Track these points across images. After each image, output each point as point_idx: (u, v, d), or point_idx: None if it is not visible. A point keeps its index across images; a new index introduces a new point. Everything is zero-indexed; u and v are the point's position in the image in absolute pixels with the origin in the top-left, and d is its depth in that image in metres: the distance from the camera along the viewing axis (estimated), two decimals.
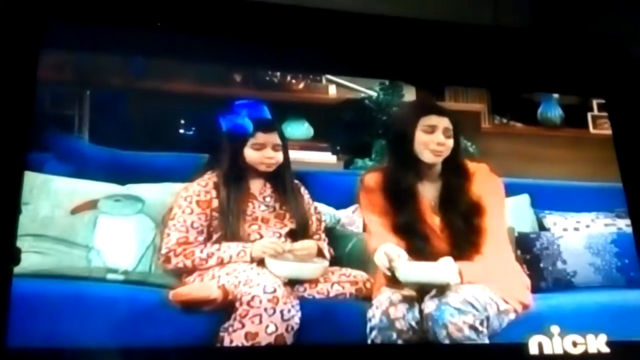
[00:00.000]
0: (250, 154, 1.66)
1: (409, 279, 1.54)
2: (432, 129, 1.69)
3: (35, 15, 1.58)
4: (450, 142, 1.70)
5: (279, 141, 1.67)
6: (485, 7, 2.13)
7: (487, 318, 1.53)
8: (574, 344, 1.61)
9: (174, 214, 1.60)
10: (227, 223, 1.60)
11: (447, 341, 1.49)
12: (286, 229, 1.65)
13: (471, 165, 1.73)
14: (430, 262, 1.58)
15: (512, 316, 1.60)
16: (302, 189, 1.72)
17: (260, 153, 1.66)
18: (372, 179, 1.72)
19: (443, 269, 1.55)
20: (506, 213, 1.75)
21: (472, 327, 1.50)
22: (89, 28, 1.63)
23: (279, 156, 1.67)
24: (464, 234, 1.63)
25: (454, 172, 1.70)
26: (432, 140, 1.68)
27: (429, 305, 1.52)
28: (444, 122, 1.70)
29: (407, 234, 1.63)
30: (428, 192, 1.70)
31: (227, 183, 1.63)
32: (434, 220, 1.67)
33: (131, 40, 1.67)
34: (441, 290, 1.53)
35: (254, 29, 1.75)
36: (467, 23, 1.99)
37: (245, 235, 1.61)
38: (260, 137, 1.66)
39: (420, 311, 1.52)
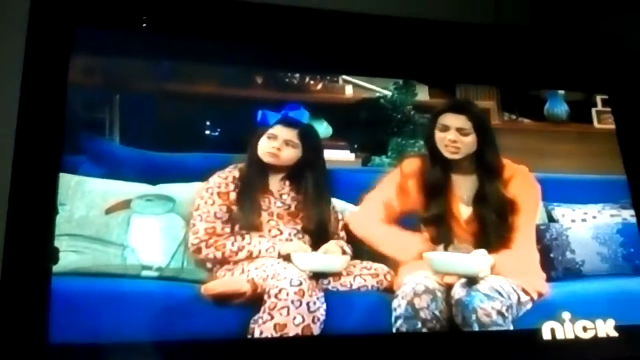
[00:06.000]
0: (261, 142, 1.71)
1: (441, 268, 1.63)
2: (445, 128, 1.76)
3: (65, 20, 1.62)
4: (467, 139, 1.76)
5: (294, 139, 1.72)
6: (487, 6, 2.18)
7: (511, 306, 1.62)
8: (584, 329, 1.69)
9: (197, 204, 1.65)
10: (244, 215, 1.66)
11: (476, 325, 1.58)
12: (299, 227, 1.70)
13: (511, 166, 1.80)
14: (463, 254, 1.67)
15: (529, 306, 1.68)
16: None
17: (269, 142, 1.71)
18: (410, 165, 1.80)
19: (475, 262, 1.64)
20: (537, 215, 1.84)
21: (500, 313, 1.59)
22: (117, 33, 1.69)
23: (288, 152, 1.72)
24: (493, 228, 1.71)
25: (485, 168, 1.77)
26: (445, 138, 1.76)
27: (459, 291, 1.60)
28: (458, 121, 1.76)
29: (431, 222, 1.73)
30: (462, 185, 1.77)
31: (245, 177, 1.69)
32: (462, 212, 1.75)
33: (157, 45, 1.72)
34: (472, 279, 1.61)
35: (273, 33, 1.81)
36: (472, 22, 2.05)
37: (264, 229, 1.67)
38: (277, 128, 1.72)
39: (447, 300, 1.60)
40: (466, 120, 1.77)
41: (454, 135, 1.75)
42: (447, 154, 1.76)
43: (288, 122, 1.73)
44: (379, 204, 1.76)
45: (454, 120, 1.76)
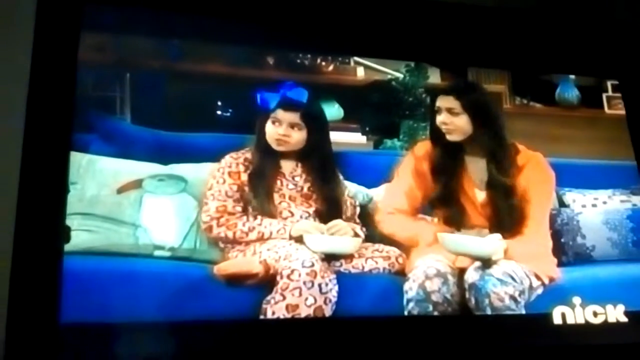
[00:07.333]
0: (268, 128, 1.70)
1: (455, 248, 1.64)
2: (439, 110, 1.76)
3: None
4: (458, 119, 1.74)
5: (299, 121, 1.69)
6: None
7: (524, 291, 1.63)
8: (595, 314, 1.70)
9: (210, 184, 1.65)
10: (255, 197, 1.65)
11: (488, 310, 1.59)
12: (312, 209, 1.68)
13: (526, 153, 1.79)
14: (477, 237, 1.67)
15: (540, 291, 1.68)
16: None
17: (275, 129, 1.70)
18: (422, 148, 1.79)
19: (488, 244, 1.65)
20: (552, 202, 1.84)
21: (512, 298, 1.60)
22: (127, 11, 1.67)
23: (297, 136, 1.70)
24: (506, 212, 1.71)
25: (488, 152, 1.76)
26: (440, 121, 1.75)
27: (473, 275, 1.61)
28: (447, 102, 1.75)
29: (443, 204, 1.73)
30: (475, 168, 1.76)
31: (257, 159, 1.68)
32: (477, 195, 1.74)
33: (169, 23, 1.70)
34: (485, 263, 1.62)
35: (285, 14, 1.79)
36: (484, 5, 2.03)
37: (275, 211, 1.65)
38: (280, 113, 1.69)
39: (459, 283, 1.61)
40: (454, 99, 1.75)
41: (445, 116, 1.75)
42: (447, 135, 1.75)
43: (289, 105, 1.70)
44: (400, 195, 1.75)
45: (443, 101, 1.76)
